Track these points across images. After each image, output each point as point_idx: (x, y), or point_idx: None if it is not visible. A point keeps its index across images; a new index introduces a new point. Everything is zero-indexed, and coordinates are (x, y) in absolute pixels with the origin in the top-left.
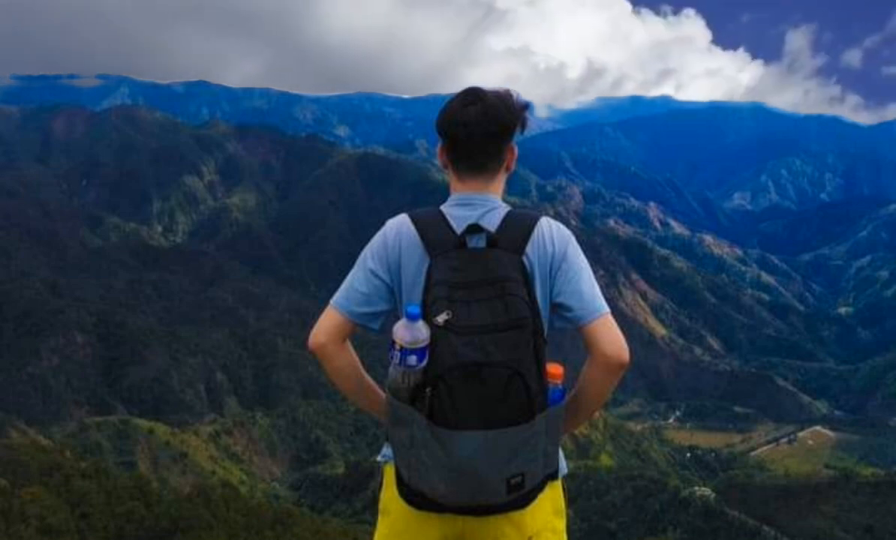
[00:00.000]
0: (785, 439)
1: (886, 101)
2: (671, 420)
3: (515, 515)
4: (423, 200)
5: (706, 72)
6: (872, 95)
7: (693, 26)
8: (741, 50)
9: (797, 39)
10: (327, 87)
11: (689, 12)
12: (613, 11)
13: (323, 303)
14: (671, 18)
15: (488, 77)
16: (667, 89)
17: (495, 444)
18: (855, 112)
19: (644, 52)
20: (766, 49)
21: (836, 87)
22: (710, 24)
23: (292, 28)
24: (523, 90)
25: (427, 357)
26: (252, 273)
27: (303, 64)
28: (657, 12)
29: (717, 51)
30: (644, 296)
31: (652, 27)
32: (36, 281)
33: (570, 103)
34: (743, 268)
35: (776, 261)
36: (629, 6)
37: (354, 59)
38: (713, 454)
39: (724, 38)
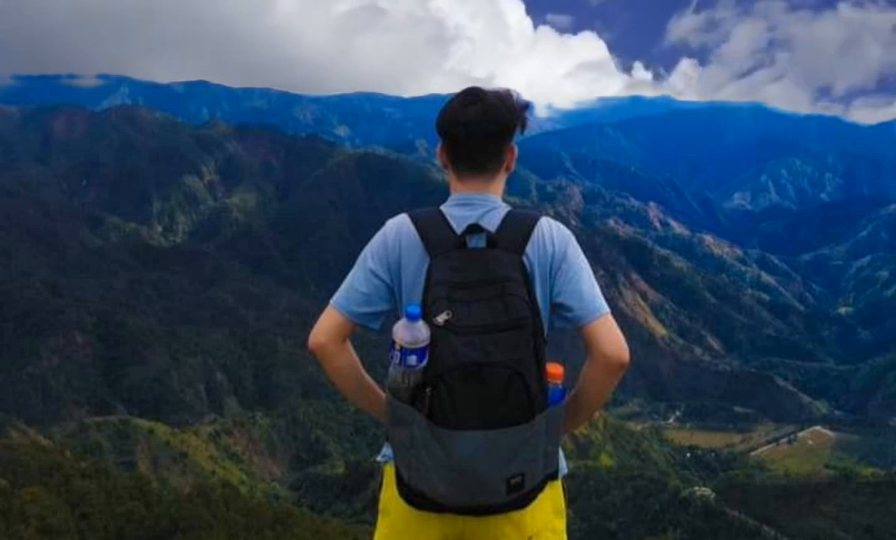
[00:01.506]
0: (785, 439)
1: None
2: (671, 420)
3: (515, 515)
4: (423, 200)
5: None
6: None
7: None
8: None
9: (739, 37)
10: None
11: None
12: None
13: (323, 303)
14: (661, 73)
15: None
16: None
17: (495, 444)
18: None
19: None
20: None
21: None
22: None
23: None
24: None
25: (427, 357)
26: (252, 273)
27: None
28: (645, 67)
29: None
30: (644, 296)
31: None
32: (36, 281)
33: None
34: (743, 268)
35: (776, 261)
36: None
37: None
38: (713, 454)
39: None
